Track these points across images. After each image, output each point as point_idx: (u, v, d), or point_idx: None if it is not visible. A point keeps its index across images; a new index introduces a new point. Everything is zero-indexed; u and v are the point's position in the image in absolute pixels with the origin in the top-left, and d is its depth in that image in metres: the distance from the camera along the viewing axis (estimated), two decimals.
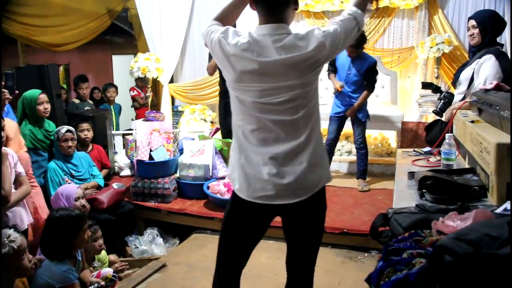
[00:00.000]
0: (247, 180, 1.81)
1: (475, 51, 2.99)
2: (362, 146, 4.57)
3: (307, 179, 1.77)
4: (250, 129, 1.78)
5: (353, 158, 5.12)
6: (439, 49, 5.17)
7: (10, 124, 3.32)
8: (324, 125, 5.03)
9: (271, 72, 1.69)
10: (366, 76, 4.37)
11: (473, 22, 2.96)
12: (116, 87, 6.33)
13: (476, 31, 2.93)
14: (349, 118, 4.55)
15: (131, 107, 6.77)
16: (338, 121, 4.58)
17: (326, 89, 5.76)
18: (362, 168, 4.66)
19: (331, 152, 4.73)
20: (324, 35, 1.70)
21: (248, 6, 1.86)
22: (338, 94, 4.51)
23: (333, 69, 4.54)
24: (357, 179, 4.70)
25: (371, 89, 4.43)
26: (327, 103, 5.58)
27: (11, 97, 3.45)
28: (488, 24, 2.91)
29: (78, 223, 2.65)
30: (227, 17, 1.94)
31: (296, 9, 1.81)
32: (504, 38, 4.59)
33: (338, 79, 4.49)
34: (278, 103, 1.72)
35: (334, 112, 4.57)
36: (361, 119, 4.49)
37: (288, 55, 1.67)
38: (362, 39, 4.26)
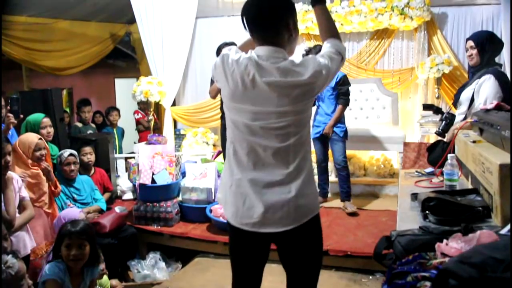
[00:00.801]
0: (235, 205, 1.81)
1: (474, 72, 3.01)
2: (342, 166, 4.49)
3: (296, 209, 1.76)
4: (241, 154, 1.80)
5: (356, 179, 5.11)
6: (439, 69, 5.20)
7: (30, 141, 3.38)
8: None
9: (266, 94, 1.71)
10: (338, 89, 4.37)
11: (471, 43, 2.99)
12: (118, 111, 6.37)
13: (475, 51, 2.95)
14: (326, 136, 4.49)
15: (135, 130, 6.78)
16: (320, 141, 4.55)
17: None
18: (345, 190, 4.55)
19: (325, 172, 4.71)
20: (320, 65, 1.73)
21: None
22: (315, 113, 4.52)
23: None
24: (342, 202, 4.60)
25: (345, 102, 4.41)
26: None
27: (16, 122, 3.48)
28: (486, 44, 2.94)
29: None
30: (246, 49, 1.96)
31: (293, 36, 1.82)
32: (502, 58, 4.63)
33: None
34: (270, 128, 1.74)
35: (314, 132, 4.52)
36: (340, 134, 4.43)
37: (284, 78, 1.69)
38: None
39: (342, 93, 4.38)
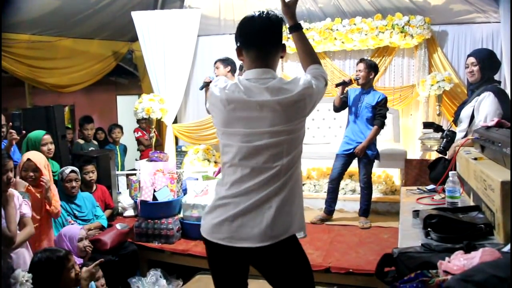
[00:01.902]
0: (214, 220, 1.81)
1: (474, 89, 3.03)
2: (367, 186, 4.51)
3: (274, 225, 1.73)
4: (232, 178, 1.79)
5: (358, 196, 5.09)
6: (439, 86, 5.22)
7: (38, 157, 3.42)
8: (329, 164, 5.04)
9: (258, 114, 1.72)
10: (377, 109, 4.36)
11: (472, 59, 3.00)
12: (121, 128, 6.39)
13: (476, 68, 2.97)
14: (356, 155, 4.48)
15: (137, 150, 6.76)
16: (345, 158, 4.52)
17: (329, 128, 5.80)
18: (365, 207, 4.60)
19: (335, 190, 4.68)
20: (309, 81, 1.76)
21: None
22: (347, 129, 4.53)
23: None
24: (359, 216, 4.65)
25: (381, 124, 4.41)
26: (330, 141, 5.61)
27: (18, 138, 3.49)
28: (487, 61, 2.96)
29: (60, 264, 2.54)
30: None
31: (283, 56, 1.88)
32: (502, 75, 4.66)
33: (350, 114, 4.53)
34: (262, 148, 1.73)
35: (343, 149, 4.52)
36: (370, 157, 4.43)
37: (274, 97, 1.70)
38: (376, 68, 4.45)
39: (380, 115, 4.37)
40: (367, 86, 4.43)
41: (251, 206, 1.74)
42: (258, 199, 1.74)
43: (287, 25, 1.92)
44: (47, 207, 3.33)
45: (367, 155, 4.43)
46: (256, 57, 1.78)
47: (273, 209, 1.73)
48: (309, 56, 1.93)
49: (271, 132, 1.72)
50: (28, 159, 3.32)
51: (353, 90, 4.54)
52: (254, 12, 1.79)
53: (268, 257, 1.79)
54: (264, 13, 1.77)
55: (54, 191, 3.45)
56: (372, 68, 4.40)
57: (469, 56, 3.09)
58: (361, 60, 4.47)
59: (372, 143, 4.42)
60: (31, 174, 3.32)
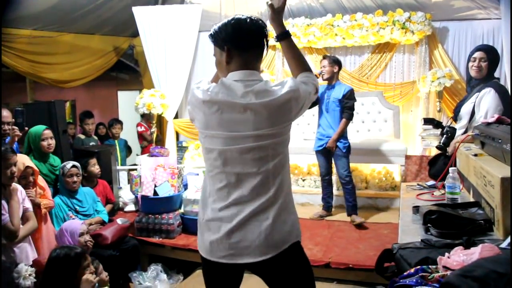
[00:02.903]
0: (210, 241, 1.76)
1: (474, 85, 3.02)
2: (347, 180, 4.48)
3: (273, 236, 1.70)
4: (217, 184, 1.75)
5: (358, 192, 5.10)
6: (440, 83, 5.23)
7: (27, 159, 3.37)
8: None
9: (242, 116, 1.68)
10: (344, 102, 4.39)
11: (482, 54, 2.95)
12: (121, 124, 6.39)
13: (485, 64, 2.94)
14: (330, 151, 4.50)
15: (141, 146, 6.73)
16: (323, 154, 4.56)
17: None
18: (351, 203, 4.54)
19: (329, 186, 4.72)
20: (296, 84, 1.73)
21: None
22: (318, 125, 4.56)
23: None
24: (349, 216, 4.57)
25: (349, 116, 4.43)
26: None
27: (20, 134, 3.50)
28: (495, 57, 2.95)
29: (77, 262, 2.58)
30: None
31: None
32: (502, 72, 4.66)
33: (319, 109, 4.57)
34: (246, 152, 1.69)
35: (317, 145, 4.56)
36: (342, 149, 4.43)
37: (259, 100, 1.67)
38: (339, 62, 4.50)
39: (347, 107, 4.40)
40: (333, 81, 4.47)
41: (247, 218, 1.70)
42: (253, 210, 1.70)
43: (274, 34, 1.89)
44: (41, 212, 3.32)
45: (338, 148, 4.44)
46: (245, 60, 1.75)
47: (270, 220, 1.70)
48: (300, 64, 1.89)
49: (255, 136, 1.68)
50: (27, 167, 3.26)
51: (321, 87, 4.51)
52: (242, 16, 1.75)
53: (271, 268, 1.76)
54: (252, 18, 1.75)
55: (41, 183, 3.45)
56: (336, 63, 4.45)
57: (477, 50, 3.01)
58: (324, 57, 4.54)
59: (342, 135, 4.44)
60: (30, 179, 3.30)
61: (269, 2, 1.86)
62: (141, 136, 6.60)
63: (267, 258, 1.70)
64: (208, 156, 1.77)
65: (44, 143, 3.91)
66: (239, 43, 1.74)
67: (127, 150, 6.51)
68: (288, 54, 1.91)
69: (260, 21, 1.77)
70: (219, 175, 1.74)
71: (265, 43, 1.78)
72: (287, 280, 1.79)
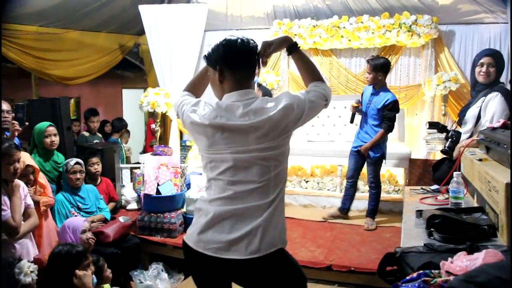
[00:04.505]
0: (202, 231, 1.80)
1: (480, 90, 2.99)
2: (373, 185, 4.46)
3: (262, 238, 1.73)
4: (219, 187, 1.80)
5: (362, 195, 5.09)
6: (445, 86, 5.21)
7: (28, 157, 3.37)
8: (333, 162, 5.04)
9: (243, 136, 1.74)
10: (384, 113, 4.23)
11: (490, 59, 2.93)
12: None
13: (493, 69, 2.92)
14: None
15: (151, 145, 6.69)
16: (356, 156, 4.49)
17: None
18: (371, 207, 4.54)
19: (351, 188, 4.62)
20: (292, 100, 1.77)
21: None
22: (360, 126, 4.46)
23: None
24: (365, 217, 4.59)
25: (388, 128, 4.26)
26: (334, 139, 5.62)
27: (20, 129, 3.49)
28: (502, 62, 2.94)
29: (77, 260, 2.56)
30: (196, 88, 2.08)
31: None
32: (507, 76, 4.64)
33: (363, 111, 4.42)
34: (250, 163, 1.75)
35: (353, 146, 4.49)
36: (372, 157, 4.35)
37: (257, 118, 1.73)
38: (384, 67, 4.23)
39: (387, 118, 4.23)
40: (377, 86, 4.29)
41: (239, 219, 1.75)
42: (247, 212, 1.75)
43: (284, 49, 1.95)
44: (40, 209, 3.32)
45: (369, 156, 4.38)
46: (239, 79, 1.81)
47: (262, 223, 1.74)
48: (310, 74, 1.93)
49: (258, 149, 1.75)
50: (27, 165, 3.24)
51: (366, 88, 4.45)
52: (232, 37, 1.82)
53: (254, 271, 1.78)
54: (243, 38, 1.82)
55: (42, 181, 3.45)
56: (379, 69, 4.21)
57: (484, 55, 2.99)
58: (367, 61, 4.33)
59: (377, 145, 4.32)
60: (31, 177, 3.31)
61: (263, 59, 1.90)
62: (153, 134, 6.54)
63: (252, 258, 1.72)
64: (209, 165, 1.84)
65: (47, 140, 3.92)
66: (230, 63, 1.80)
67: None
68: (300, 64, 1.97)
69: (251, 41, 1.83)
70: (222, 182, 1.79)
71: (257, 61, 1.84)
72: (269, 285, 1.81)
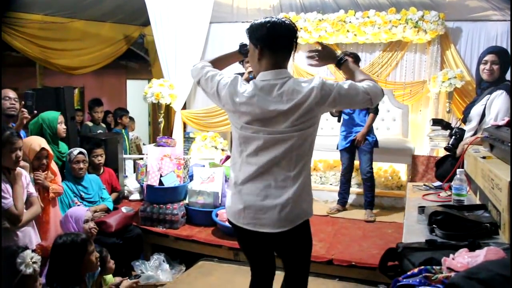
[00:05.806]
0: (238, 208, 2.04)
1: (485, 87, 2.98)
2: (368, 176, 4.53)
3: (291, 212, 1.94)
4: (247, 162, 2.00)
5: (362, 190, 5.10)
6: (451, 83, 5.19)
7: (43, 141, 3.44)
8: (336, 156, 5.04)
9: (275, 116, 1.91)
10: None
11: (494, 57, 2.92)
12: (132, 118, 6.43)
13: (497, 67, 2.91)
14: (357, 146, 4.52)
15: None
16: (348, 151, 4.61)
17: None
18: (369, 199, 4.63)
19: (347, 182, 4.76)
20: (320, 83, 1.89)
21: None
22: (342, 125, 4.58)
23: None
24: (364, 210, 4.67)
25: (376, 111, 4.49)
26: (338, 134, 5.60)
27: (29, 117, 3.50)
28: (506, 59, 2.92)
29: (83, 248, 2.60)
30: (218, 66, 2.20)
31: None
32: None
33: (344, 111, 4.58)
34: (276, 140, 1.93)
35: (344, 143, 4.58)
36: (371, 142, 4.49)
37: (289, 101, 1.89)
38: (356, 59, 4.46)
39: None
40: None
41: (270, 193, 1.95)
42: (276, 186, 1.95)
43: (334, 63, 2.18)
44: (49, 196, 3.37)
45: (368, 142, 4.48)
46: (275, 59, 1.94)
47: (290, 197, 1.93)
48: (363, 77, 2.08)
49: (286, 128, 1.91)
50: (42, 148, 3.34)
51: None
52: (272, 18, 1.94)
53: (284, 240, 2.03)
54: (286, 22, 1.94)
55: (54, 168, 3.52)
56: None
57: (488, 53, 2.97)
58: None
59: (370, 130, 4.51)
60: (44, 161, 3.36)
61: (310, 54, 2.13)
62: None
63: (283, 231, 1.96)
64: (241, 141, 2.01)
65: (60, 127, 3.96)
66: (271, 45, 1.93)
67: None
68: (350, 74, 2.15)
69: (293, 25, 1.95)
70: (253, 157, 1.98)
71: (294, 45, 1.97)
72: (294, 250, 2.12)
